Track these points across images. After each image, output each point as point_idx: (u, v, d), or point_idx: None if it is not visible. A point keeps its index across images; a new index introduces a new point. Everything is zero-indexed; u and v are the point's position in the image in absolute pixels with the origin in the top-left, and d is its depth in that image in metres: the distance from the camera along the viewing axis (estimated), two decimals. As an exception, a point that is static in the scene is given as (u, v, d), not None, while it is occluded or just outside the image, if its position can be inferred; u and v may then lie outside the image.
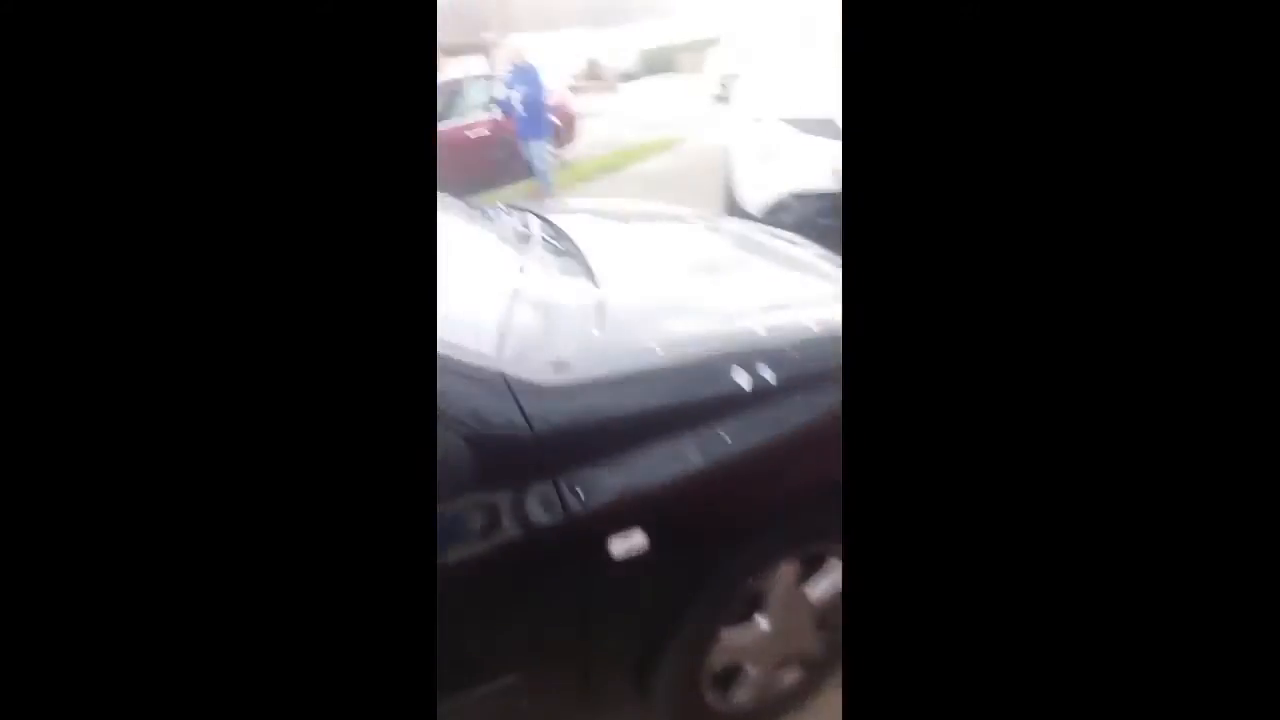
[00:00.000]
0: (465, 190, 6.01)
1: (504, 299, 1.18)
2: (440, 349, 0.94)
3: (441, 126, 6.72)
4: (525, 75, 6.21)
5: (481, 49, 19.99)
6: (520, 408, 0.95)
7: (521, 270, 1.28)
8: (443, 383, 0.92)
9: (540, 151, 6.40)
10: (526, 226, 1.65)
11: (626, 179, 6.57)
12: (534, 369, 1.00)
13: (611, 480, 0.99)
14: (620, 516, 0.99)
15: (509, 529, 0.94)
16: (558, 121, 7.18)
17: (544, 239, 1.58)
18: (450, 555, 0.93)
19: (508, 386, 0.95)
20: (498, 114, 6.86)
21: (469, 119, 6.99)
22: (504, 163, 6.85)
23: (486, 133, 6.90)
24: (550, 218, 1.81)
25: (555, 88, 7.69)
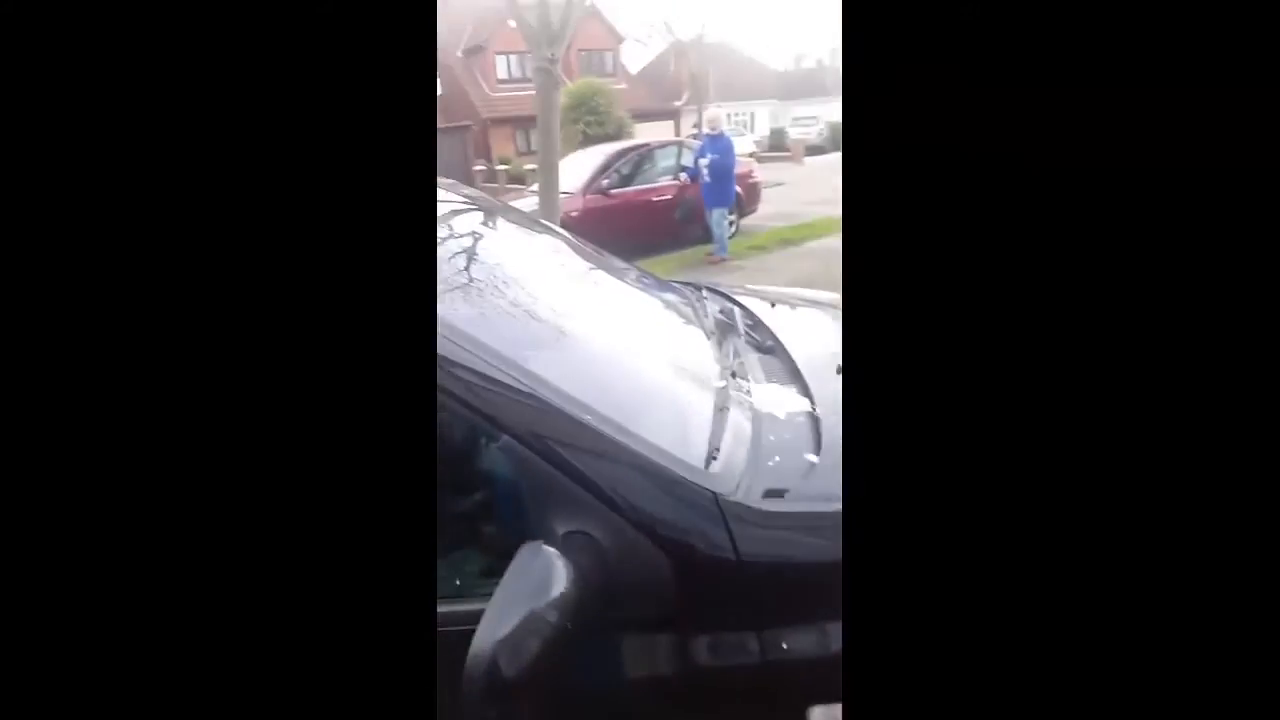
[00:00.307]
0: (644, 252, 6.21)
1: (711, 401, 1.10)
2: (647, 451, 0.87)
3: (628, 190, 7.02)
4: (717, 144, 6.35)
5: (672, 115, 20.98)
6: (730, 534, 0.86)
7: (733, 375, 1.19)
8: (645, 489, 0.86)
9: (721, 219, 6.48)
10: (728, 316, 1.58)
11: (804, 253, 6.45)
12: (745, 491, 0.90)
13: (815, 633, 0.87)
14: (819, 673, 0.86)
15: (701, 661, 0.85)
16: (741, 191, 7.26)
17: (746, 331, 1.50)
18: (636, 671, 0.86)
19: (719, 509, 0.87)
20: (684, 179, 7.05)
21: (657, 184, 7.24)
22: (682, 226, 7.01)
23: (669, 197, 7.12)
24: (743, 301, 1.74)
25: (743, 157, 7.82)
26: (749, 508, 0.87)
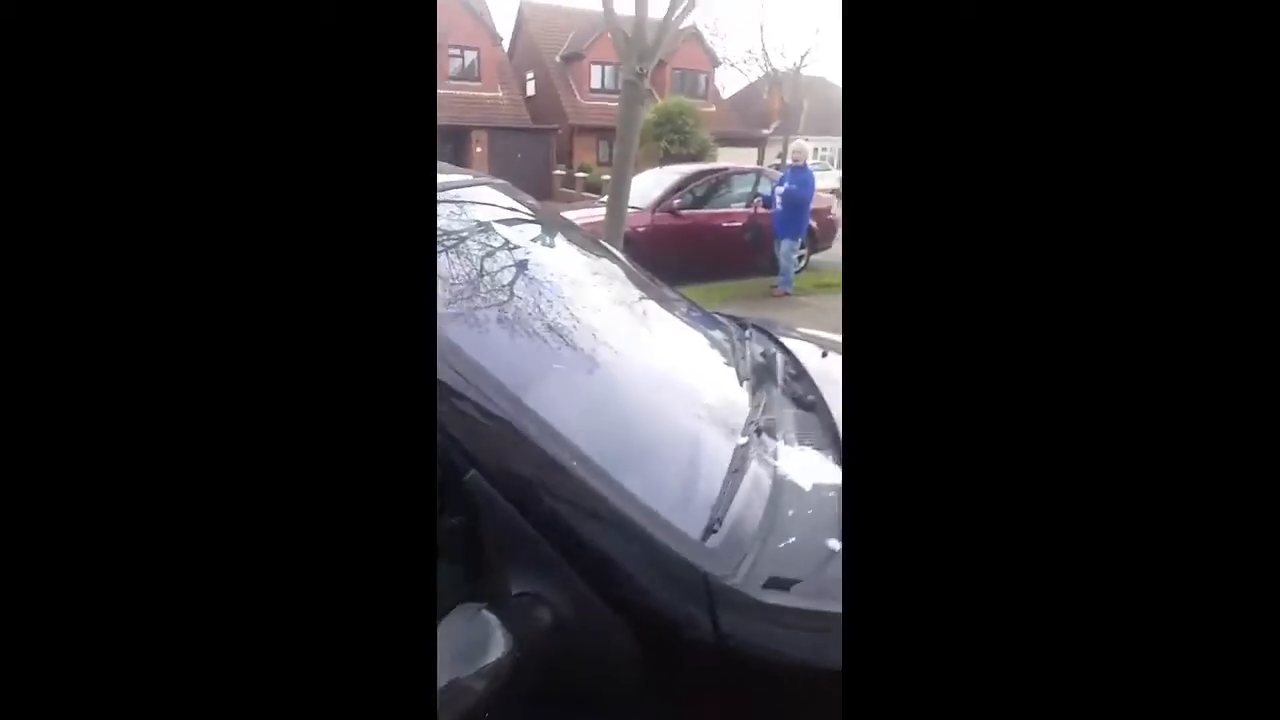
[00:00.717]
0: (707, 277, 6.09)
1: (727, 458, 0.97)
2: (634, 512, 0.75)
3: (699, 212, 6.94)
4: (798, 175, 6.22)
5: (757, 143, 20.86)
6: (715, 624, 0.74)
7: (758, 431, 1.06)
8: (624, 555, 0.74)
9: (789, 251, 6.32)
10: (769, 361, 1.45)
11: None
12: (744, 575, 0.78)
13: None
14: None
15: None
16: (816, 225, 7.08)
17: (785, 380, 1.37)
18: None
19: (708, 592, 0.75)
20: (759, 204, 6.92)
21: (729, 210, 7.13)
22: (749, 252, 6.87)
23: (740, 225, 6.99)
24: (791, 344, 1.60)
25: (825, 193, 7.63)
26: (745, 596, 0.75)
